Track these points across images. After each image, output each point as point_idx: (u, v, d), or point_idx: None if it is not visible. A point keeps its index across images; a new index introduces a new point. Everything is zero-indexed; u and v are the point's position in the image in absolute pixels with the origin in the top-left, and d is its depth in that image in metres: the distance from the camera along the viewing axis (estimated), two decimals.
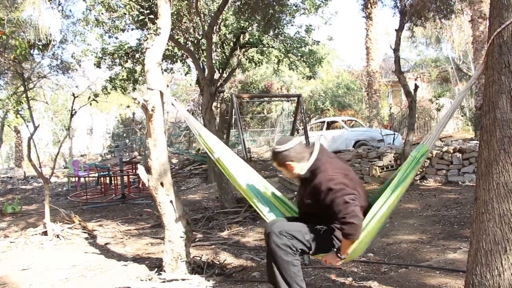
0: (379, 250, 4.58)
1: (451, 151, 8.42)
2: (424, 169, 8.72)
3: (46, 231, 5.82)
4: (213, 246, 5.22)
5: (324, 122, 17.02)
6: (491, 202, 2.22)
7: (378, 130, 14.41)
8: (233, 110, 10.84)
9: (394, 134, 13.22)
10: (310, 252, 2.89)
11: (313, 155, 2.89)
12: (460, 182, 8.18)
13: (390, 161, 9.38)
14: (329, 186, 2.67)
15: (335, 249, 2.81)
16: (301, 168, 2.90)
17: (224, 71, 10.68)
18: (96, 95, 6.47)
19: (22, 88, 6.71)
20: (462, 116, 16.90)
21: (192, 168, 14.96)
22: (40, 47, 7.01)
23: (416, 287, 3.32)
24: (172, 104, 3.85)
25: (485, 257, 2.23)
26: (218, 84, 10.69)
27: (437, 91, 17.61)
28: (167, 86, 3.95)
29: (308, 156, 2.90)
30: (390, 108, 17.79)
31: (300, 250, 2.84)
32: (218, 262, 4.38)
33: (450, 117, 2.94)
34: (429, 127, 19.36)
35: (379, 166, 9.35)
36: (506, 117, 2.18)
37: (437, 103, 15.24)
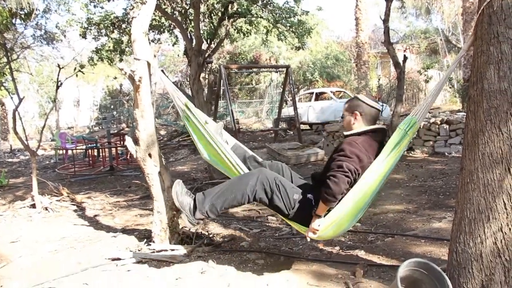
0: (366, 220, 4.65)
1: (438, 123, 8.49)
2: (411, 140, 8.81)
3: (34, 204, 5.80)
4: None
5: (312, 93, 16.99)
6: (476, 172, 2.25)
7: None
8: (221, 81, 10.75)
9: (382, 106, 13.23)
10: (289, 214, 2.92)
11: (368, 128, 2.96)
12: (446, 153, 8.28)
13: None
14: (343, 147, 2.78)
15: (313, 211, 2.85)
16: (357, 126, 2.98)
17: (212, 42, 10.54)
18: (82, 66, 6.37)
19: (5, 60, 6.56)
20: (450, 88, 16.97)
21: (181, 139, 14.92)
22: (23, 16, 6.82)
23: (402, 255, 3.39)
24: (163, 72, 3.80)
25: (468, 225, 2.27)
26: (206, 55, 10.57)
27: (426, 63, 17.59)
28: (154, 56, 3.89)
29: (368, 126, 2.98)
30: (379, 79, 17.81)
31: (275, 206, 2.91)
32: (207, 233, 4.41)
33: (440, 90, 2.93)
34: (418, 98, 19.44)
35: None
36: (494, 88, 2.18)
37: (425, 75, 15.25)
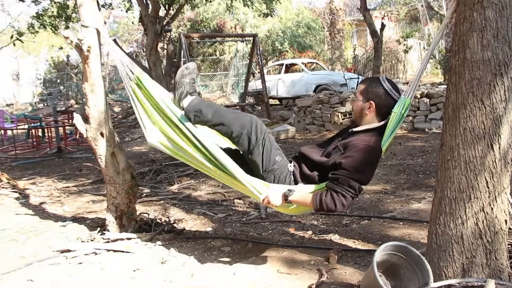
0: None
1: (418, 96, 8.64)
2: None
3: None
4: (161, 202, 5.23)
5: (282, 64, 16.99)
6: (457, 149, 2.29)
7: (341, 74, 14.57)
8: (182, 51, 10.60)
9: (358, 78, 13.39)
10: (262, 174, 2.94)
11: (381, 124, 2.83)
12: (426, 129, 8.46)
13: None
14: (358, 156, 2.65)
15: (288, 190, 2.81)
16: (369, 119, 2.85)
17: (171, 8, 10.34)
18: (20, 34, 6.13)
19: None
20: (431, 58, 17.27)
21: None
22: None
23: (379, 239, 3.46)
24: (115, 42, 3.70)
25: (449, 205, 2.32)
26: (164, 22, 10.37)
27: (405, 31, 17.84)
28: (105, 23, 3.78)
29: (379, 121, 2.85)
30: (354, 49, 17.94)
31: (252, 159, 2.94)
32: (167, 219, 4.40)
33: (427, 63, 2.96)
34: (396, 70, 19.71)
35: (341, 113, 9.50)
36: (476, 58, 2.21)
37: (405, 44, 15.46)
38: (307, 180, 2.91)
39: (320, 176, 2.86)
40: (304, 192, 2.80)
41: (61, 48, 23.68)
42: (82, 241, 3.75)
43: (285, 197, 2.79)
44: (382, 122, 2.83)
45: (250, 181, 2.88)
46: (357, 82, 12.89)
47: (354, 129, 2.89)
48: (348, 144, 2.76)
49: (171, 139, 3.15)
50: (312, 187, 2.84)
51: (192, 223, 4.34)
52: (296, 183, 2.93)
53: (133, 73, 3.31)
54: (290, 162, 3.04)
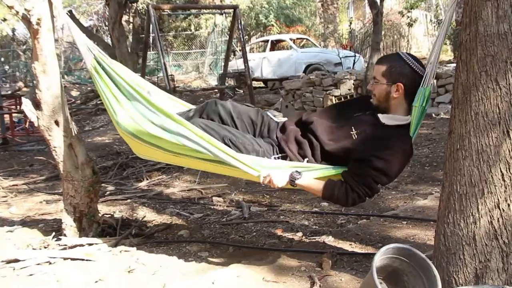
0: None
1: (432, 79, 8.66)
2: None
3: None
4: (128, 201, 5.21)
5: (267, 41, 16.98)
6: (468, 136, 2.30)
7: (335, 51, 14.58)
8: (151, 25, 10.50)
9: (355, 56, 13.44)
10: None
11: (409, 117, 2.88)
12: (434, 115, 8.52)
13: (349, 90, 9.58)
14: (390, 158, 2.72)
15: (296, 171, 2.82)
16: (397, 104, 2.87)
17: None
18: None
19: None
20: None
21: (99, 102, 14.58)
22: None
23: (379, 241, 3.48)
24: (70, 14, 3.65)
25: (459, 202, 2.33)
26: None
27: (409, 1, 17.83)
28: None
29: (407, 108, 2.89)
30: (350, 23, 17.88)
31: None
32: (135, 220, 4.38)
33: (443, 43, 2.97)
34: (399, 47, 19.78)
35: (335, 96, 9.54)
36: (490, 31, 2.21)
37: (409, 17, 15.42)
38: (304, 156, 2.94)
39: (328, 162, 2.91)
40: (315, 177, 2.84)
41: (4, 20, 23.24)
42: (34, 249, 3.70)
43: (292, 179, 2.79)
44: (409, 116, 2.88)
45: (243, 159, 2.82)
46: (354, 60, 12.93)
47: (385, 122, 2.88)
48: (382, 142, 2.78)
49: (143, 127, 3.04)
50: (317, 173, 2.86)
51: (164, 225, 4.32)
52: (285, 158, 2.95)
53: (94, 51, 3.27)
54: (282, 133, 3.05)
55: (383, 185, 2.80)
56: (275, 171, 2.81)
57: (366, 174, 2.71)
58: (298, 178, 2.78)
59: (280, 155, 2.98)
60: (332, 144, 2.88)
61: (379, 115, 2.89)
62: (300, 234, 3.84)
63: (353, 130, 2.87)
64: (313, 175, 2.85)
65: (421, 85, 2.83)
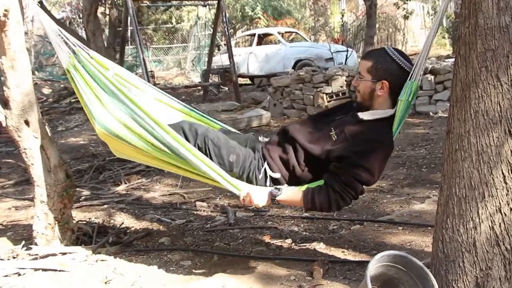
0: None
1: (421, 73, 8.71)
2: None
3: None
4: (105, 206, 5.18)
5: (254, 35, 16.99)
6: (467, 136, 2.30)
7: (326, 46, 14.61)
8: (129, 18, 10.48)
9: (347, 51, 13.45)
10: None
11: (394, 111, 2.89)
12: (431, 113, 8.56)
13: (341, 87, 9.59)
14: (370, 153, 2.74)
15: (276, 188, 2.88)
16: (381, 102, 2.90)
17: None
18: None
19: None
20: None
21: (73, 100, 14.49)
22: None
23: (374, 247, 3.49)
24: (41, 4, 3.63)
25: (458, 206, 2.33)
26: None
27: None
28: None
29: (391, 105, 2.90)
30: (342, 15, 17.97)
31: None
32: (112, 227, 4.37)
33: (435, 34, 2.99)
34: (394, 41, 19.87)
35: (326, 94, 9.54)
36: (491, 24, 2.21)
37: (404, 9, 15.50)
38: (291, 171, 2.97)
39: (313, 170, 2.93)
40: (295, 189, 2.88)
41: None
42: (1, 259, 3.67)
43: (273, 197, 2.84)
44: (394, 110, 2.89)
45: (225, 176, 2.90)
46: (346, 56, 12.97)
47: (363, 117, 2.91)
48: (359, 136, 2.81)
49: (126, 126, 3.07)
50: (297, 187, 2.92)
51: (143, 232, 4.30)
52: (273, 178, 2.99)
53: (70, 45, 3.26)
54: (266, 144, 3.10)
55: (366, 184, 2.77)
56: (254, 190, 2.87)
57: (346, 172, 2.72)
58: (278, 195, 2.83)
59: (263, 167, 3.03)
60: (314, 147, 2.91)
61: (359, 113, 2.93)
62: (289, 241, 3.83)
63: (333, 131, 2.91)
64: (293, 188, 2.90)
65: (408, 78, 2.87)
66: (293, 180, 2.98)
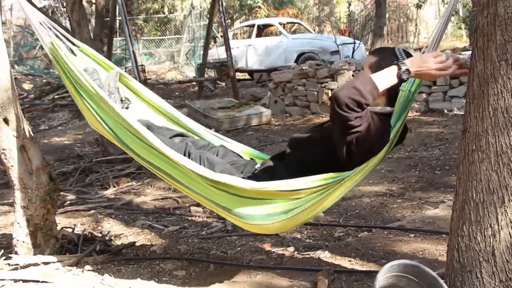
0: (332, 207, 4.72)
1: None
2: None
3: None
4: (92, 212, 5.19)
5: (253, 26, 16.96)
6: (485, 136, 2.29)
7: (331, 38, 14.59)
8: (117, 7, 10.47)
9: (354, 43, 13.45)
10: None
11: (391, 109, 2.87)
12: (446, 111, 8.55)
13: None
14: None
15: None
16: (378, 103, 2.86)
17: None
18: None
19: None
20: (453, 15, 17.37)
21: (57, 97, 14.49)
22: None
23: (383, 256, 3.48)
24: None
25: (475, 211, 2.33)
26: None
27: None
28: None
29: (388, 104, 2.89)
30: (349, 4, 17.97)
31: None
32: (100, 234, 4.36)
33: (448, 21, 2.97)
34: (406, 32, 19.84)
35: (332, 89, 9.53)
36: None
37: None
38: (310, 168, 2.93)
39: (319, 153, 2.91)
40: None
41: None
42: None
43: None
44: (391, 109, 2.88)
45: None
46: (353, 48, 12.96)
47: None
48: None
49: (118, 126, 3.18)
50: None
51: (134, 239, 4.30)
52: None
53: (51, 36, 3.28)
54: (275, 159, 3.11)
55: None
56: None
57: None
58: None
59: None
60: (308, 134, 3.05)
61: None
62: (291, 249, 3.83)
63: (325, 125, 3.03)
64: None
65: None
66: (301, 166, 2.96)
